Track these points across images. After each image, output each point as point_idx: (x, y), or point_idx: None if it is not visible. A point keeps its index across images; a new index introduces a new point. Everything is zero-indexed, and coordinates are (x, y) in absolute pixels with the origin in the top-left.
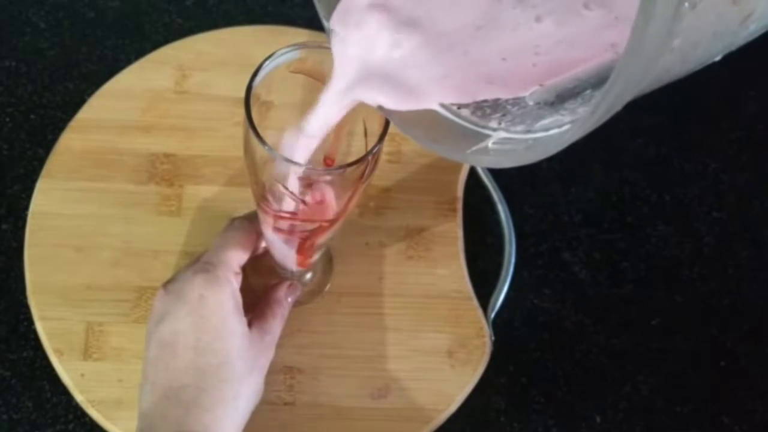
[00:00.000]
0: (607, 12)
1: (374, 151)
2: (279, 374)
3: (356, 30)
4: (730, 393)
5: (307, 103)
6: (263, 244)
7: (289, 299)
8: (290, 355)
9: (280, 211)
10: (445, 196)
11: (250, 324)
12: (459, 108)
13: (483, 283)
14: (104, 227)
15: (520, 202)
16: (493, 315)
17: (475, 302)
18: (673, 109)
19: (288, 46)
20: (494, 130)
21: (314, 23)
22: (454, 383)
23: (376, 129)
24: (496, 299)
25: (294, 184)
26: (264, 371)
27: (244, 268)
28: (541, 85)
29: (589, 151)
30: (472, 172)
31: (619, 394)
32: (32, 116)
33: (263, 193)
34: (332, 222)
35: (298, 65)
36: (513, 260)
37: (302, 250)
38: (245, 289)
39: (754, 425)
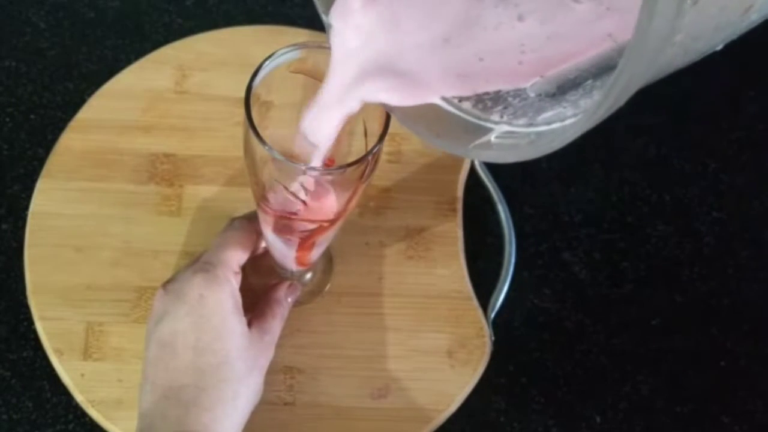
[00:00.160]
0: (598, 3)
1: (374, 151)
2: (279, 374)
3: (354, 23)
4: (730, 393)
5: (307, 103)
6: (263, 244)
7: (289, 299)
8: (290, 355)
9: (280, 211)
10: (445, 196)
11: (249, 324)
12: (460, 101)
13: (483, 283)
14: (104, 227)
15: (520, 202)
16: (493, 315)
17: (475, 302)
18: (673, 109)
19: (288, 46)
20: (496, 123)
21: (314, 23)
22: (454, 383)
23: (376, 129)
24: (496, 299)
25: (301, 185)
26: (264, 371)
27: (244, 268)
28: (542, 76)
29: (589, 151)
30: (472, 172)
31: (619, 394)
32: (32, 116)
33: (263, 193)
34: (332, 222)
35: (298, 65)
36: (513, 260)
37: (302, 250)
38: (245, 289)
39: (754, 425)
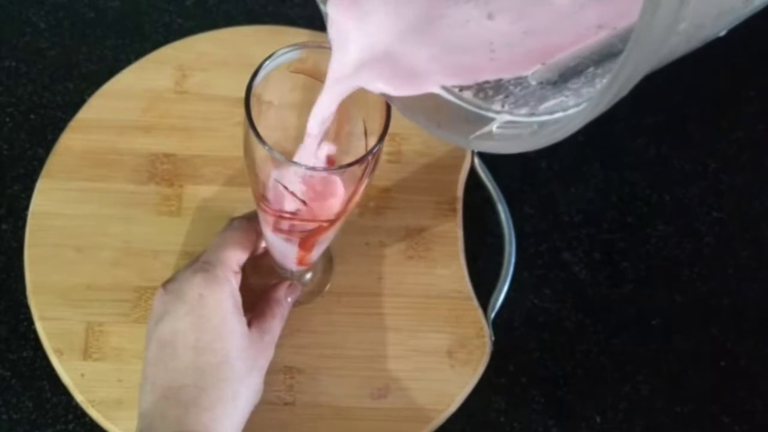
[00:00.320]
0: None
1: (374, 151)
2: (279, 374)
3: (352, 12)
4: (730, 393)
5: (307, 103)
6: (263, 244)
7: (289, 299)
8: (290, 355)
9: (280, 211)
10: (445, 196)
11: (249, 324)
12: (461, 90)
13: (483, 283)
14: (104, 227)
15: (520, 202)
16: (493, 315)
17: (475, 302)
18: (673, 109)
19: (288, 46)
20: (498, 112)
21: (314, 23)
22: (454, 383)
23: (376, 129)
24: (496, 299)
25: (301, 185)
26: (263, 371)
27: (244, 268)
28: (543, 63)
29: (589, 151)
30: (472, 172)
31: (619, 394)
32: (32, 116)
33: (263, 193)
34: (332, 222)
35: (298, 65)
36: (513, 260)
37: (302, 250)
38: (245, 289)
39: (754, 425)
